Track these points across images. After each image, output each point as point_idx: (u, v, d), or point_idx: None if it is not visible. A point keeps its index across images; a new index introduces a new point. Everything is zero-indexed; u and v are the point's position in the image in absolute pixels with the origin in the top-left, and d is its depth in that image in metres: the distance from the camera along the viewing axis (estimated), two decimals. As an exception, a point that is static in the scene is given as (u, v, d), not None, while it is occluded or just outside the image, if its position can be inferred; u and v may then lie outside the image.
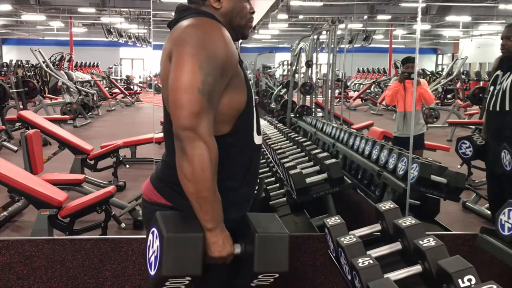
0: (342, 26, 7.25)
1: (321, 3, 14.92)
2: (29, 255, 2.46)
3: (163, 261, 1.29)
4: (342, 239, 1.73)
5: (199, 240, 1.31)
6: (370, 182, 3.62)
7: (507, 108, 2.75)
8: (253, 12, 1.58)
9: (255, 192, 1.64)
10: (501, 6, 15.10)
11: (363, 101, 15.68)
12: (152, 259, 1.36)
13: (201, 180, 1.30)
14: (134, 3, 16.61)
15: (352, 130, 4.92)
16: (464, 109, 11.34)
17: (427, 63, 26.23)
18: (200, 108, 1.30)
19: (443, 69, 22.22)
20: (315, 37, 7.31)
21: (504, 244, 1.77)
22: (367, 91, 16.13)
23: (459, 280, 1.29)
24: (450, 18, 16.76)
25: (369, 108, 14.54)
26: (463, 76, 13.35)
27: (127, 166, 5.53)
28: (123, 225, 3.76)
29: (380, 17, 16.76)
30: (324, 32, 7.45)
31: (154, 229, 1.37)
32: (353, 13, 15.25)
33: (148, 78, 23.49)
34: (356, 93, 16.69)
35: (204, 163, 1.30)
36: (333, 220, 1.92)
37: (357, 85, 18.97)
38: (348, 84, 17.47)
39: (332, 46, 6.90)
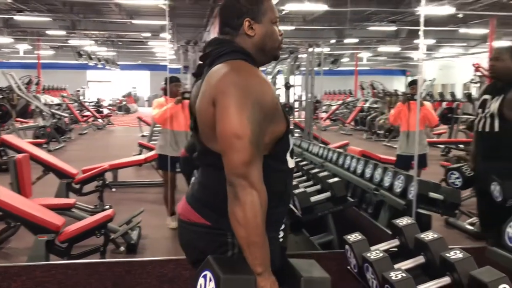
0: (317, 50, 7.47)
1: (293, 27, 15.26)
2: (41, 280, 2.43)
3: None
4: (369, 254, 1.82)
5: (252, 282, 1.37)
6: (361, 200, 3.73)
7: (496, 129, 2.93)
8: (282, 34, 1.68)
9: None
10: (461, 30, 15.89)
11: (332, 121, 16.15)
12: None
13: (252, 225, 1.38)
14: (105, 26, 16.55)
15: (339, 149, 5.06)
16: (431, 128, 11.74)
17: (397, 84, 26.99)
18: (250, 157, 1.39)
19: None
20: (293, 60, 7.51)
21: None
22: (336, 111, 16.64)
23: (496, 289, 1.40)
24: (417, 40, 17.44)
25: (339, 128, 15.00)
26: (428, 97, 13.86)
27: (114, 189, 5.48)
28: (122, 248, 3.73)
29: (347, 40, 17.25)
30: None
31: (207, 272, 1.41)
32: (322, 38, 15.68)
33: (118, 101, 23.26)
34: (326, 114, 17.11)
35: (256, 210, 1.38)
36: (354, 237, 2.01)
37: (325, 106, 19.40)
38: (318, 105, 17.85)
39: (310, 68, 7.12)
